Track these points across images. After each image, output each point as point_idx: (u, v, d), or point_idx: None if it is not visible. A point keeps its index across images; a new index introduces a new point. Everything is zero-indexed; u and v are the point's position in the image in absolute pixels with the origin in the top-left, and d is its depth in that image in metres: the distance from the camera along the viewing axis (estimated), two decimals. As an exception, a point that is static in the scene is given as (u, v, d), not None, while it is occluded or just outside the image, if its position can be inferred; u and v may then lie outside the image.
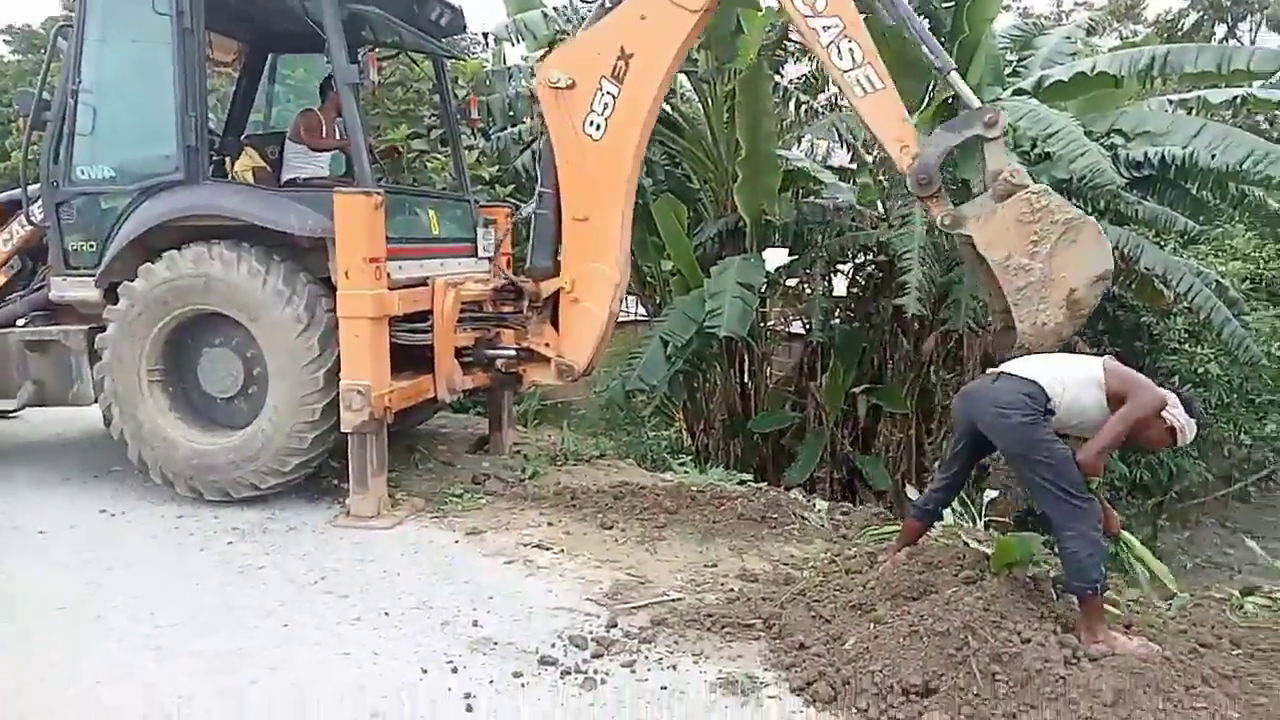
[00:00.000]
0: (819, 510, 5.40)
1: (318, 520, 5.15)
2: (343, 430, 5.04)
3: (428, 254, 5.82)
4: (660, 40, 4.70)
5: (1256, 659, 3.32)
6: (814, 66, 10.42)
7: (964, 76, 7.93)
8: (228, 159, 6.35)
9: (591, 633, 3.74)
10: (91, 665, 3.46)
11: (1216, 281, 8.97)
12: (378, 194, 5.03)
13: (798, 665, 3.39)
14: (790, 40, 9.92)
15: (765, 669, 3.43)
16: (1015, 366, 3.67)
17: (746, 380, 10.09)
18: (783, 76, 9.96)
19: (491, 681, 3.35)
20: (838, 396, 9.48)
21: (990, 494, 5.22)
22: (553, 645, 3.64)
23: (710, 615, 3.84)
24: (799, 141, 10.76)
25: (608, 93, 4.72)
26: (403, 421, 5.82)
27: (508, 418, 6.95)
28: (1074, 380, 3.51)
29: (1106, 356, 3.62)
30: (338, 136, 6.29)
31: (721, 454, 9.84)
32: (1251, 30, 21.28)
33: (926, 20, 8.23)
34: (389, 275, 5.16)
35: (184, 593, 4.14)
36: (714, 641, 3.66)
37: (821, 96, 10.24)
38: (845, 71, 4.33)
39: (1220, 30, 20.89)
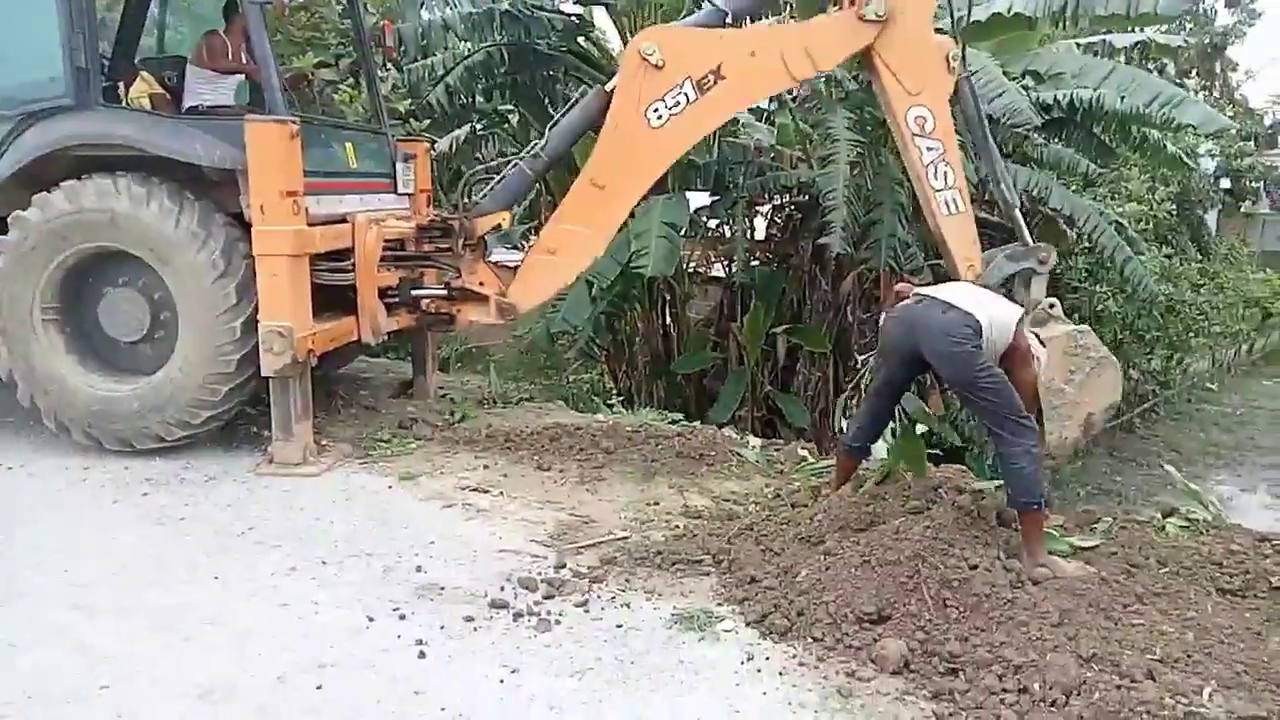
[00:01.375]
0: (753, 447, 5.43)
1: (238, 469, 4.90)
2: (264, 374, 4.79)
3: (346, 189, 5.53)
4: (754, 81, 4.74)
5: (1182, 576, 3.49)
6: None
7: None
8: (120, 84, 5.85)
9: (541, 574, 3.68)
10: (9, 628, 3.22)
11: (1116, 222, 9.35)
12: (293, 122, 4.72)
13: (751, 599, 3.41)
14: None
15: (719, 604, 3.44)
16: (951, 295, 3.77)
17: (669, 322, 10.06)
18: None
19: (442, 627, 3.26)
20: (758, 337, 9.54)
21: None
22: (502, 588, 3.56)
23: (659, 553, 3.82)
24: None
25: (685, 94, 4.59)
26: (323, 366, 5.58)
27: (432, 361, 6.75)
28: (998, 323, 3.72)
29: (1026, 316, 3.87)
30: (242, 61, 5.88)
31: (645, 395, 9.84)
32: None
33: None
34: (307, 210, 4.88)
35: (102, 547, 3.89)
36: (665, 578, 3.65)
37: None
38: (937, 190, 4.65)
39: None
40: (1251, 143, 17.47)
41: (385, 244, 5.33)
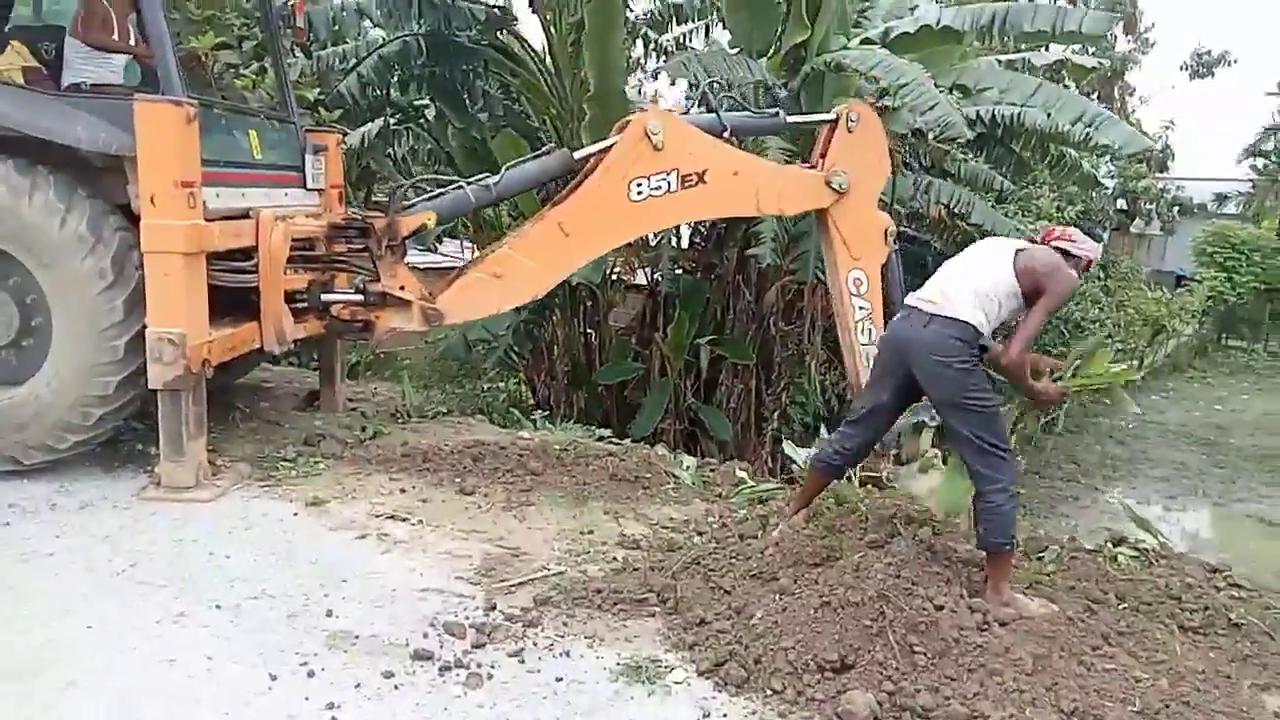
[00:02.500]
0: (687, 468, 5.17)
1: (120, 493, 4.36)
2: (151, 386, 4.28)
3: (249, 181, 5.03)
4: (727, 198, 5.10)
5: (1143, 613, 3.38)
6: (660, 5, 10.07)
7: (812, 24, 7.99)
8: (-13, 56, 5.20)
9: (468, 618, 3.32)
10: None
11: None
12: (190, 105, 4.24)
13: (702, 644, 3.13)
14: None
15: (667, 650, 3.15)
16: (938, 296, 3.52)
17: (590, 331, 9.75)
18: (631, 10, 9.51)
19: (358, 685, 2.87)
20: (682, 348, 9.33)
21: None
22: (425, 635, 3.19)
23: (598, 590, 3.51)
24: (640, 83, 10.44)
25: (668, 182, 4.82)
26: (220, 377, 5.07)
27: (340, 370, 6.27)
28: (1001, 295, 3.49)
29: (1016, 254, 3.57)
30: (130, 35, 5.30)
31: (565, 406, 9.50)
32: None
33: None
34: (204, 204, 4.39)
35: (-51, 590, 3.35)
36: (606, 620, 3.34)
37: (670, 34, 9.88)
38: (863, 345, 5.23)
39: None
40: (1145, 165, 18.29)
41: (293, 243, 4.87)
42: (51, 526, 3.96)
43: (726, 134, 5.14)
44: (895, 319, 3.78)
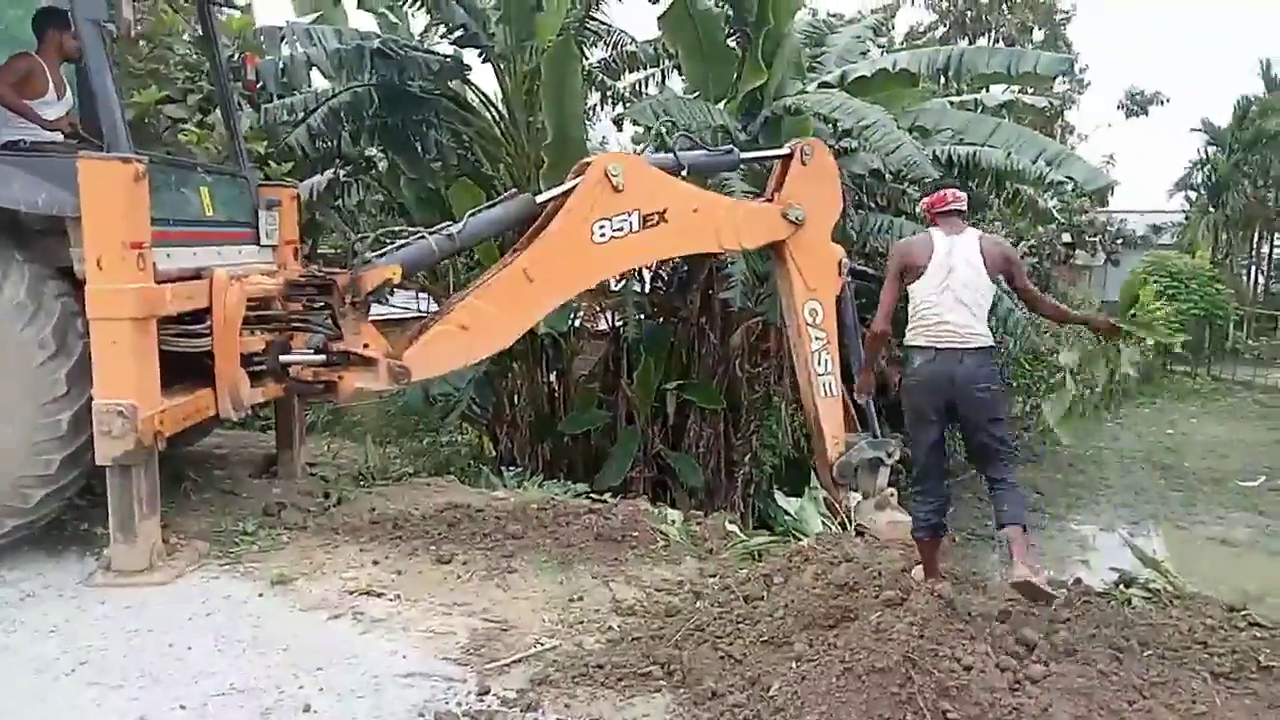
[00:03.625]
0: (673, 523, 4.97)
1: (66, 581, 4.01)
2: (99, 463, 3.96)
3: (201, 239, 4.77)
4: (687, 235, 5.15)
5: (1170, 660, 3.24)
6: (614, 53, 10.04)
7: (768, 67, 8.00)
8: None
9: (461, 705, 3.06)
10: None
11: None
12: (139, 161, 3.99)
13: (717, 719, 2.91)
14: (593, 18, 9.48)
15: (680, 729, 2.93)
16: (965, 326, 3.76)
17: (553, 380, 9.52)
18: (586, 58, 9.46)
19: (347, 790, 2.59)
20: (649, 394, 9.16)
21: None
22: (416, 727, 2.92)
23: (599, 665, 3.27)
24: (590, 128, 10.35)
25: (630, 222, 4.84)
26: (170, 445, 4.75)
27: (300, 432, 5.96)
28: (989, 299, 3.90)
29: (982, 256, 3.82)
30: (65, 89, 5.03)
31: (529, 458, 9.22)
32: (989, 44, 23.65)
33: (730, 8, 8.07)
34: (154, 265, 4.12)
35: (-128, 705, 2.98)
36: (610, 699, 3.11)
37: (625, 80, 9.85)
38: (819, 375, 5.40)
39: (963, 43, 23.00)
40: (1088, 199, 18.82)
41: (248, 303, 4.61)
42: (-10, 621, 3.60)
43: (684, 172, 5.17)
44: (924, 363, 3.82)
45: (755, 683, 3.03)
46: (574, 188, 4.83)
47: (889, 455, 5.49)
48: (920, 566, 3.93)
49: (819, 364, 5.44)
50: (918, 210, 9.01)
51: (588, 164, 4.90)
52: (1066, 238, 18.36)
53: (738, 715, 2.90)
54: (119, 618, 3.65)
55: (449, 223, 5.00)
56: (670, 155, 5.17)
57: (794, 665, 3.03)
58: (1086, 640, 3.36)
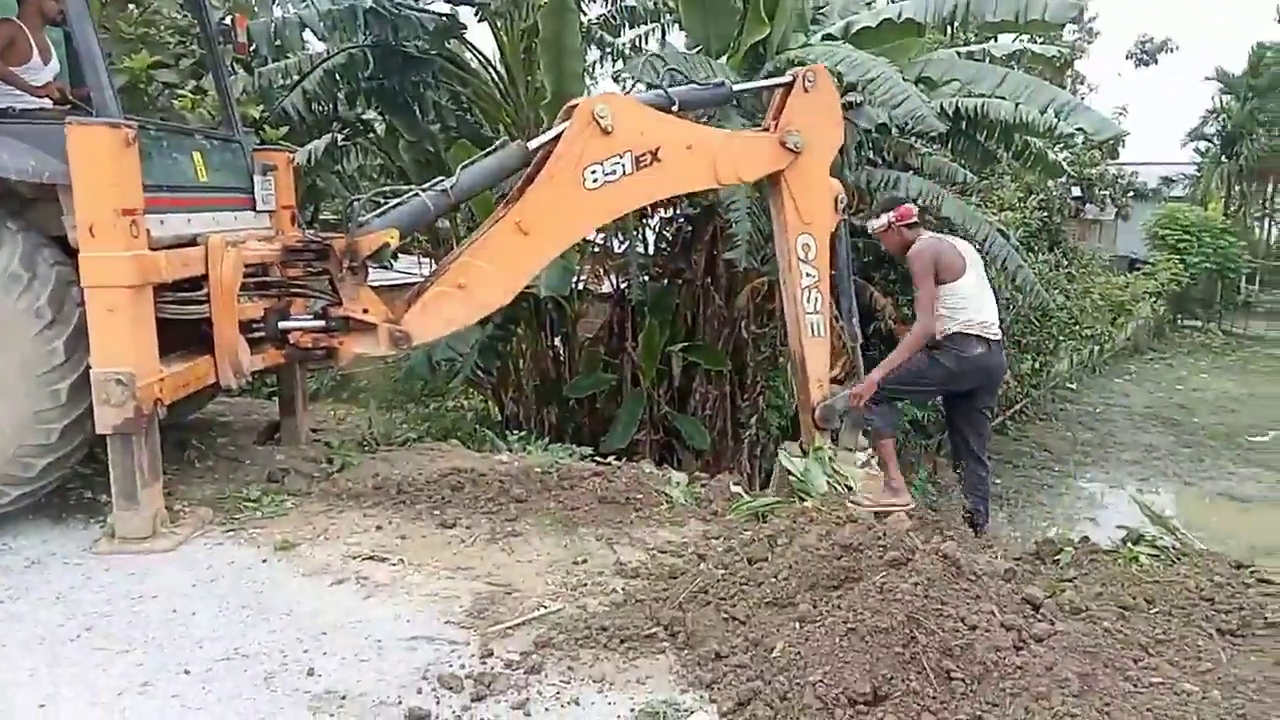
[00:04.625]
0: (678, 485, 4.95)
1: (70, 548, 4.02)
2: (99, 431, 3.94)
3: (196, 205, 4.71)
4: (683, 173, 4.96)
5: (1177, 618, 3.23)
6: (613, 8, 9.86)
7: (770, 20, 7.84)
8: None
9: (464, 667, 3.05)
10: None
11: (1000, 231, 9.43)
12: (128, 126, 3.91)
13: (720, 681, 2.90)
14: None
15: (683, 690, 2.92)
16: (987, 312, 5.10)
17: (558, 343, 9.48)
18: (585, 14, 9.29)
19: (350, 754, 2.60)
20: (654, 357, 9.11)
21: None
22: (419, 691, 2.92)
23: (602, 628, 3.26)
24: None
25: (622, 165, 4.69)
26: (172, 414, 4.74)
27: (302, 399, 5.93)
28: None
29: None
30: (50, 54, 4.94)
31: (535, 422, 9.22)
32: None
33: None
34: (148, 232, 4.07)
35: (-122, 675, 3.00)
36: (614, 661, 3.10)
37: (624, 36, 9.67)
38: (807, 313, 5.25)
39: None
40: (1098, 151, 18.54)
41: (245, 270, 4.56)
42: (-5, 589, 3.61)
43: (674, 108, 4.97)
44: (984, 354, 5.06)
45: (759, 644, 3.02)
46: (561, 133, 4.64)
47: (868, 424, 5.38)
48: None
49: (808, 301, 5.27)
50: (925, 165, 8.92)
51: (574, 107, 4.70)
52: (1076, 191, 18.13)
53: (741, 676, 2.89)
54: (123, 584, 3.65)
55: (442, 178, 4.85)
56: (661, 93, 4.98)
57: (798, 626, 3.01)
58: (1093, 599, 3.35)
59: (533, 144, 4.76)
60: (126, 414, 3.91)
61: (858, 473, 5.09)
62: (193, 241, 4.45)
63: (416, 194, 4.70)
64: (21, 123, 4.31)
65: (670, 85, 5.01)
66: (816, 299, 5.26)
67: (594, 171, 4.64)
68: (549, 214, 4.67)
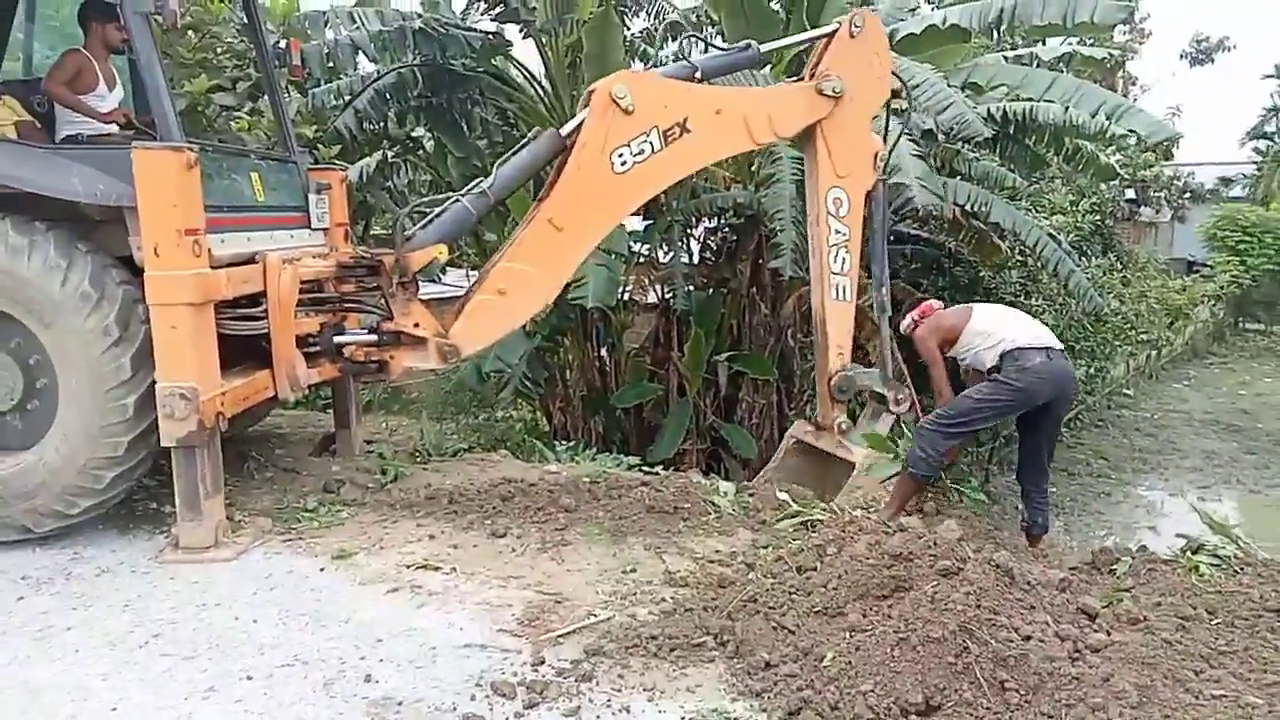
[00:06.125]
0: (725, 494, 4.95)
1: (137, 557, 4.16)
2: (164, 444, 4.08)
3: (254, 225, 4.86)
4: (717, 138, 4.77)
5: (1239, 629, 3.15)
6: (656, 21, 9.93)
7: (815, 25, 7.83)
8: (-22, 112, 5.04)
9: (517, 675, 3.10)
10: None
11: (1050, 235, 9.28)
12: (190, 150, 4.06)
13: (771, 690, 2.91)
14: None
15: (733, 698, 2.93)
16: (1043, 329, 5.18)
17: (603, 354, 9.55)
18: (628, 28, 9.38)
19: (407, 759, 2.66)
20: (700, 366, 9.13)
21: None
22: (473, 697, 2.97)
23: (652, 636, 3.28)
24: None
25: (650, 142, 4.56)
26: (233, 425, 4.88)
27: (356, 411, 6.06)
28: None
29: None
30: (115, 82, 5.14)
31: (582, 432, 9.28)
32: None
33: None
34: (210, 251, 4.21)
35: (-39, 679, 3.14)
36: (664, 669, 3.12)
37: (667, 50, 9.73)
38: (834, 274, 5.05)
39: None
40: (1152, 153, 18.14)
41: (301, 286, 4.69)
42: (68, 598, 3.76)
43: (697, 76, 4.80)
44: (1045, 361, 4.88)
45: (809, 653, 3.02)
46: (582, 121, 4.50)
47: (897, 403, 5.18)
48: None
49: (835, 261, 5.00)
50: (972, 170, 8.82)
51: (593, 92, 4.54)
52: (1130, 194, 17.76)
53: (791, 685, 2.90)
54: (188, 592, 3.78)
55: (479, 179, 4.80)
56: (683, 64, 4.80)
57: (848, 635, 3.01)
58: (1152, 609, 3.29)
59: (565, 130, 4.63)
60: (190, 427, 4.04)
61: (859, 452, 5.09)
62: (251, 259, 4.58)
63: (456, 200, 4.68)
64: (90, 148, 4.51)
65: (693, 58, 4.83)
66: (845, 259, 5.00)
67: (621, 154, 4.50)
68: (581, 205, 4.55)
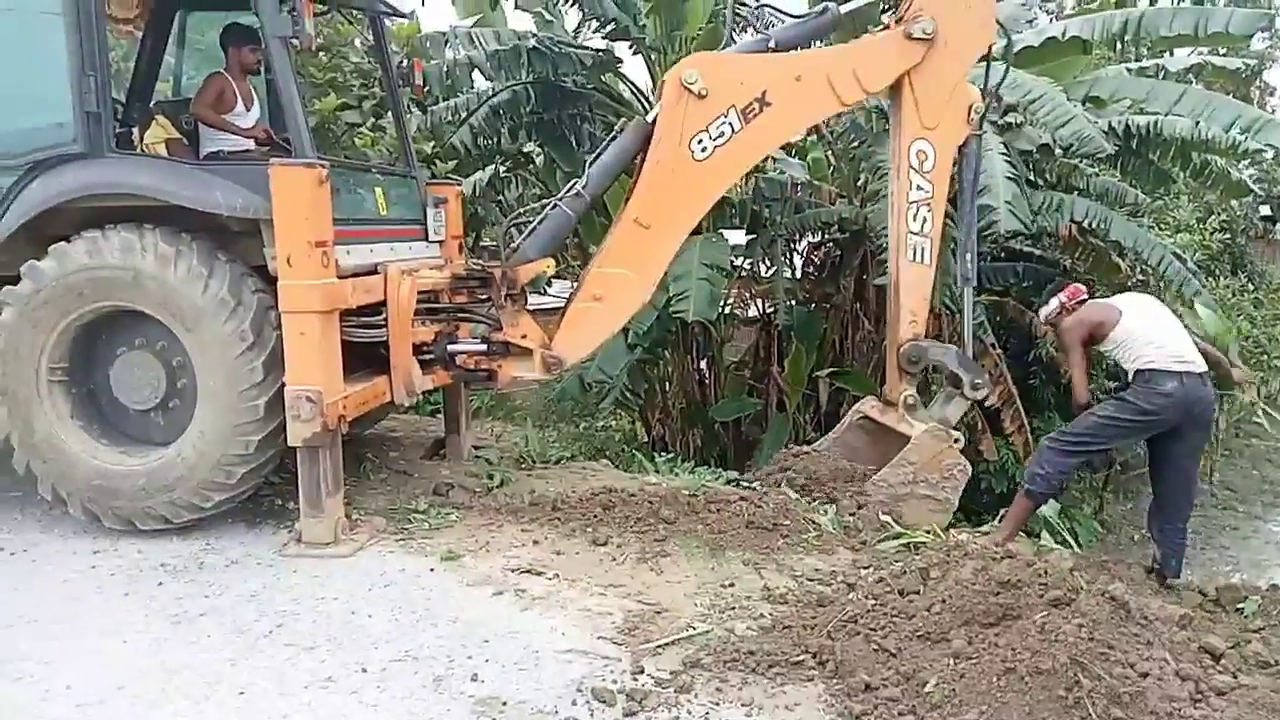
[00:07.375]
0: (826, 512, 4.92)
1: (263, 550, 4.41)
2: (290, 444, 4.32)
3: (376, 237, 5.10)
4: (801, 106, 4.60)
5: (1380, 677, 2.97)
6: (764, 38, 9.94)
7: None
8: (134, 130, 5.45)
9: (617, 682, 3.17)
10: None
11: (1175, 254, 8.86)
12: (322, 166, 4.30)
13: (871, 713, 2.89)
14: (743, 3, 9.42)
15: (833, 719, 2.92)
16: (1186, 346, 4.63)
17: (703, 367, 9.59)
18: (736, 43, 9.40)
19: (512, 758, 2.75)
20: (800, 381, 9.06)
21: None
22: (574, 702, 3.05)
23: (750, 651, 3.30)
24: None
25: (730, 123, 4.45)
26: (352, 428, 5.12)
27: (465, 418, 6.28)
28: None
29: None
30: (254, 101, 5.49)
31: (680, 444, 9.34)
32: (1172, 3, 21.75)
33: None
34: (337, 262, 4.45)
35: (109, 655, 3.39)
36: (762, 685, 3.14)
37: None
38: (911, 233, 4.75)
39: (1143, 3, 21.23)
40: (1290, 168, 17.05)
41: (419, 296, 4.90)
42: (200, 586, 4.01)
43: (772, 47, 4.65)
44: (1177, 386, 4.48)
45: (910, 678, 2.99)
46: (657, 114, 4.44)
47: (974, 388, 4.85)
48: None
49: (914, 219, 4.68)
50: (1090, 186, 8.49)
51: (663, 84, 4.45)
52: (1265, 210, 16.72)
53: (893, 709, 2.87)
54: (308, 586, 3.99)
55: (574, 180, 4.79)
56: (755, 39, 4.66)
57: (952, 662, 2.96)
58: (1280, 651, 3.12)
59: (650, 116, 4.59)
60: (315, 428, 4.27)
61: (920, 429, 4.86)
62: (373, 270, 4.81)
63: (554, 205, 4.72)
64: (231, 164, 4.82)
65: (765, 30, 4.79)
66: (925, 219, 4.67)
67: (700, 140, 4.40)
68: (665, 200, 4.48)
